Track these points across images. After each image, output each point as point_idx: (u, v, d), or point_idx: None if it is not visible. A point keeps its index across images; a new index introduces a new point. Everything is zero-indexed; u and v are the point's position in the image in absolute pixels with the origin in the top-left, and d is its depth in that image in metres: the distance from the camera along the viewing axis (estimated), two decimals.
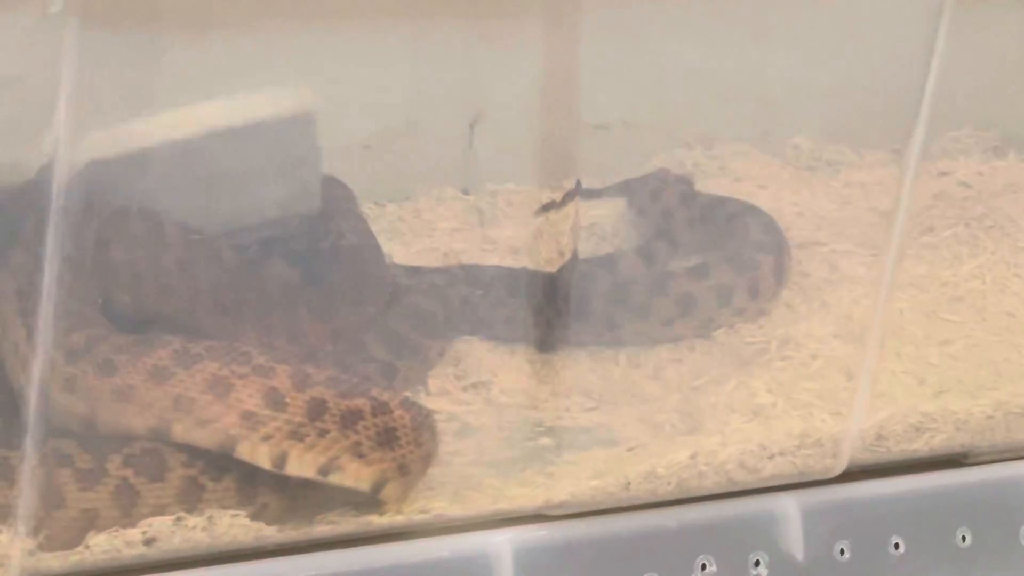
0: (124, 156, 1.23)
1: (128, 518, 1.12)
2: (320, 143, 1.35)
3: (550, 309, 1.30)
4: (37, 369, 1.10)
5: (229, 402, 1.13)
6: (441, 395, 1.32)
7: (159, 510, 1.13)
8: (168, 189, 1.30)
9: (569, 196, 1.29)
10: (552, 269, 1.30)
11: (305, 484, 1.15)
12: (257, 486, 1.15)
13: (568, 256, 1.29)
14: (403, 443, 1.16)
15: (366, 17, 1.33)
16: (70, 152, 1.06)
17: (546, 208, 1.30)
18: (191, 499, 1.13)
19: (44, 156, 1.06)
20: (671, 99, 1.47)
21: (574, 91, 1.23)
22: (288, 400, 1.14)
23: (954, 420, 1.31)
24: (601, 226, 1.51)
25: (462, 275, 1.40)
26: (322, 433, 1.14)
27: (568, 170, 1.29)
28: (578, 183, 1.28)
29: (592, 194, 1.45)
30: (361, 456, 1.15)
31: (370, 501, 1.17)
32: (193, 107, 1.28)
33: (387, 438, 1.15)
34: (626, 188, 1.50)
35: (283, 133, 1.31)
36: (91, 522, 1.11)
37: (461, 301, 1.38)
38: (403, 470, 1.16)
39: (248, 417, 1.13)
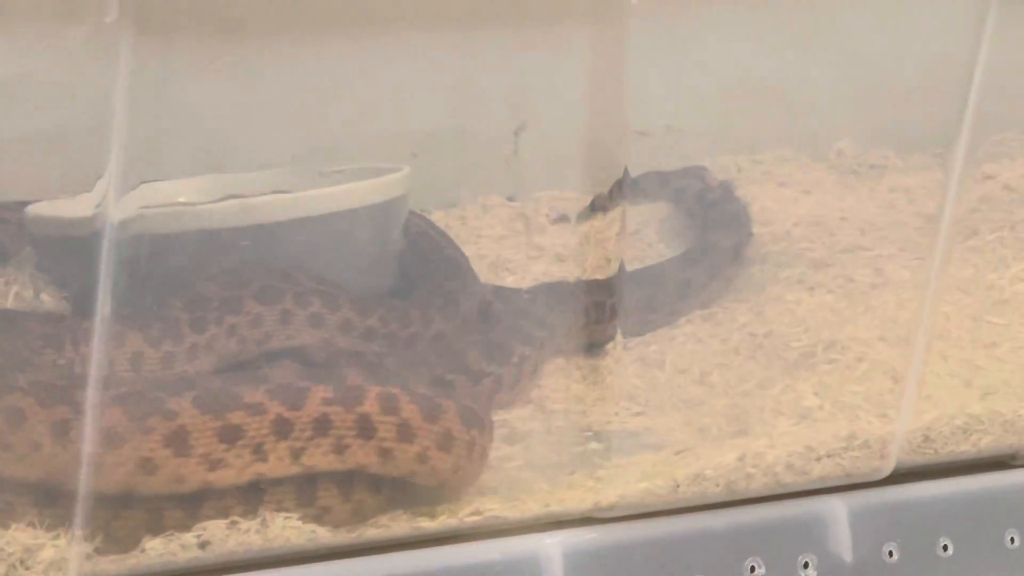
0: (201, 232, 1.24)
1: (192, 519, 1.13)
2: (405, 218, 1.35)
3: (597, 315, 1.31)
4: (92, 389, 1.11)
5: None
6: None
7: (222, 511, 1.14)
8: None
9: (616, 188, 1.28)
10: (601, 276, 1.31)
11: (366, 488, 1.17)
12: (317, 489, 1.16)
13: (616, 263, 1.30)
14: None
15: (412, 25, 1.34)
16: (123, 172, 1.07)
17: (593, 206, 1.31)
18: (252, 501, 1.14)
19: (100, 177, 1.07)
20: (715, 105, 1.47)
21: (621, 97, 1.24)
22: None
23: (1001, 422, 1.32)
24: (645, 232, 1.51)
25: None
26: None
27: (613, 176, 1.30)
28: (626, 171, 1.28)
29: (640, 194, 1.45)
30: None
31: (424, 504, 1.18)
32: (293, 194, 1.28)
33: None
34: (665, 181, 1.50)
35: (376, 217, 1.31)
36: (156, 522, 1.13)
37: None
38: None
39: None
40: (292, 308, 1.27)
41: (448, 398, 1.19)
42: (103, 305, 1.09)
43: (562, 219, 1.36)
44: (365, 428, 1.15)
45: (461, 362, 1.31)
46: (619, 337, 1.30)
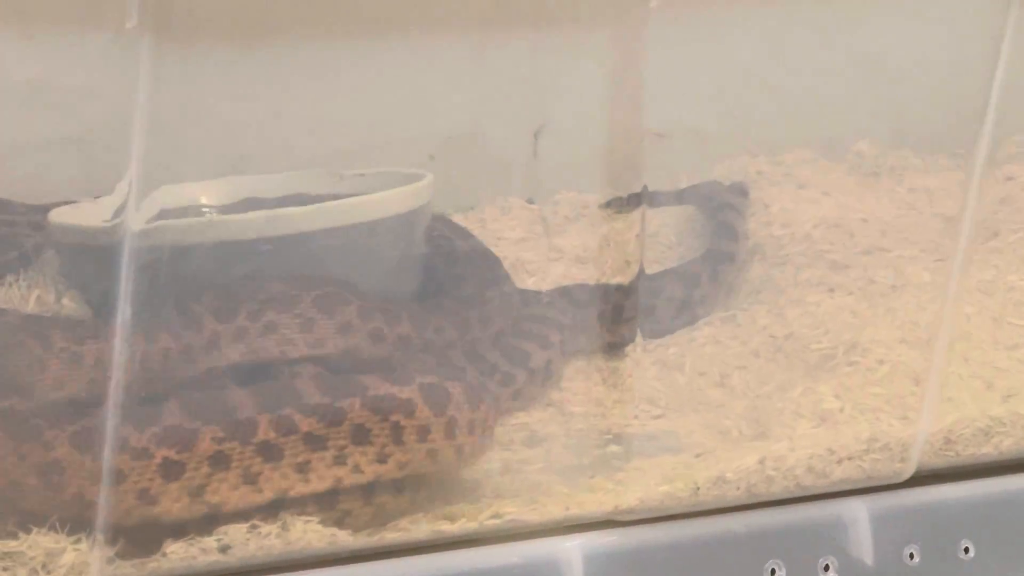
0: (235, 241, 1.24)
1: (213, 523, 1.13)
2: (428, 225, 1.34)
3: (617, 318, 1.31)
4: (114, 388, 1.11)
5: None
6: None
7: (243, 515, 1.14)
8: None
9: (633, 199, 1.29)
10: (621, 280, 1.31)
11: (388, 491, 1.17)
12: (339, 492, 1.16)
13: (636, 266, 1.30)
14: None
15: (431, 28, 1.34)
16: (143, 175, 1.07)
17: (609, 204, 1.31)
18: (273, 505, 1.14)
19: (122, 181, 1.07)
20: (735, 107, 1.47)
21: (639, 99, 1.24)
22: None
23: (1023, 424, 1.31)
24: (664, 234, 1.51)
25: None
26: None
27: (633, 177, 1.30)
28: (644, 187, 1.29)
29: (656, 199, 1.46)
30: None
31: (444, 507, 1.18)
32: (317, 205, 1.27)
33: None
34: (680, 197, 1.51)
35: (400, 225, 1.31)
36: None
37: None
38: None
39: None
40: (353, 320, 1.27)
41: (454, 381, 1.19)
42: (123, 310, 1.10)
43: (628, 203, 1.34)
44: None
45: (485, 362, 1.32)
46: (639, 339, 1.30)
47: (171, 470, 1.11)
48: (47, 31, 1.08)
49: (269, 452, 1.13)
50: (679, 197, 1.51)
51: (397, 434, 1.16)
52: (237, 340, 1.23)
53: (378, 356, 1.26)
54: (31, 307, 1.27)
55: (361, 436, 1.15)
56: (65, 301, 1.28)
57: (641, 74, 1.22)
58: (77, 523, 1.10)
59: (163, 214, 1.17)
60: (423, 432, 1.16)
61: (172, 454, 1.11)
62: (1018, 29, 1.24)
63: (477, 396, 1.20)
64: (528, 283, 1.42)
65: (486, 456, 1.21)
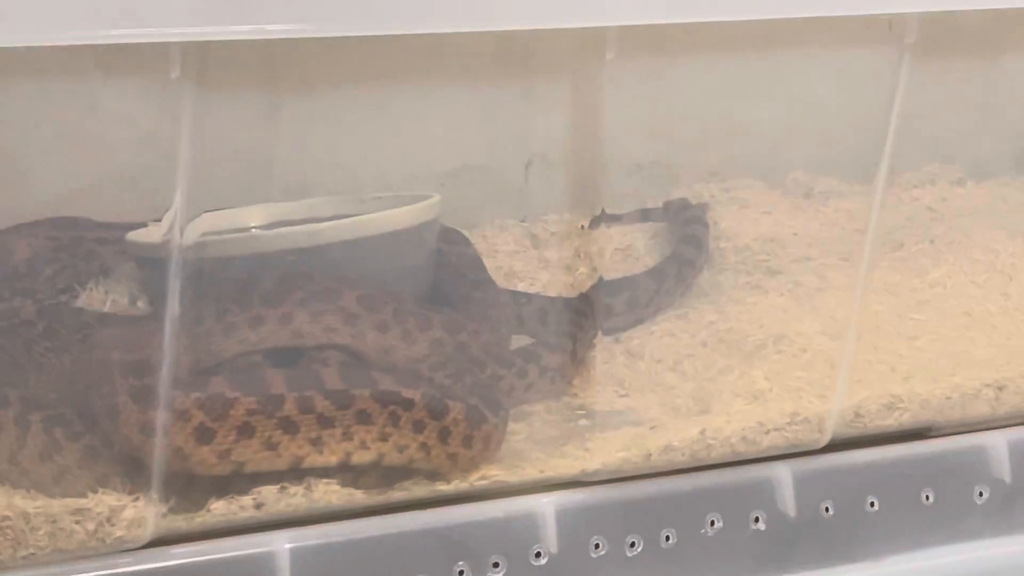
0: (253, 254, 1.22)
1: (249, 484, 1.12)
2: (436, 240, 1.32)
3: (584, 317, 1.30)
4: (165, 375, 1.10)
5: None
6: None
7: (274, 478, 1.13)
8: None
9: (596, 221, 1.28)
10: (588, 284, 1.30)
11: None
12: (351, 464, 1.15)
13: (598, 273, 1.29)
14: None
15: (440, 78, 1.34)
16: (187, 209, 1.06)
17: (583, 229, 1.30)
18: (300, 472, 1.13)
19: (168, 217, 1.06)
20: (689, 141, 1.47)
21: (600, 136, 1.23)
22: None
23: (919, 400, 1.30)
24: (635, 248, 1.50)
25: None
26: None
27: (599, 202, 1.29)
28: (603, 210, 1.28)
29: (615, 219, 1.45)
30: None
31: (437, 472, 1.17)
32: (336, 220, 1.25)
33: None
34: (645, 215, 1.50)
35: (412, 238, 1.28)
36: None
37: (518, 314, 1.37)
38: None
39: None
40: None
41: (457, 399, 1.17)
42: (172, 307, 1.09)
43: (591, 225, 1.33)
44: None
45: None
46: (600, 334, 1.29)
47: (204, 434, 1.10)
48: (102, 83, 1.07)
49: (288, 426, 1.11)
50: (647, 215, 1.51)
51: (395, 420, 1.14)
52: (283, 324, 1.21)
53: (410, 355, 1.25)
54: (107, 308, 1.27)
55: (364, 418, 1.13)
56: (139, 304, 1.27)
57: (601, 115, 1.21)
58: (135, 482, 1.09)
59: (208, 236, 1.16)
60: (419, 425, 1.15)
61: (208, 420, 1.09)
62: (912, 77, 1.23)
63: (481, 417, 1.17)
64: (519, 287, 1.41)
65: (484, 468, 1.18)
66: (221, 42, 1.02)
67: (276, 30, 1.01)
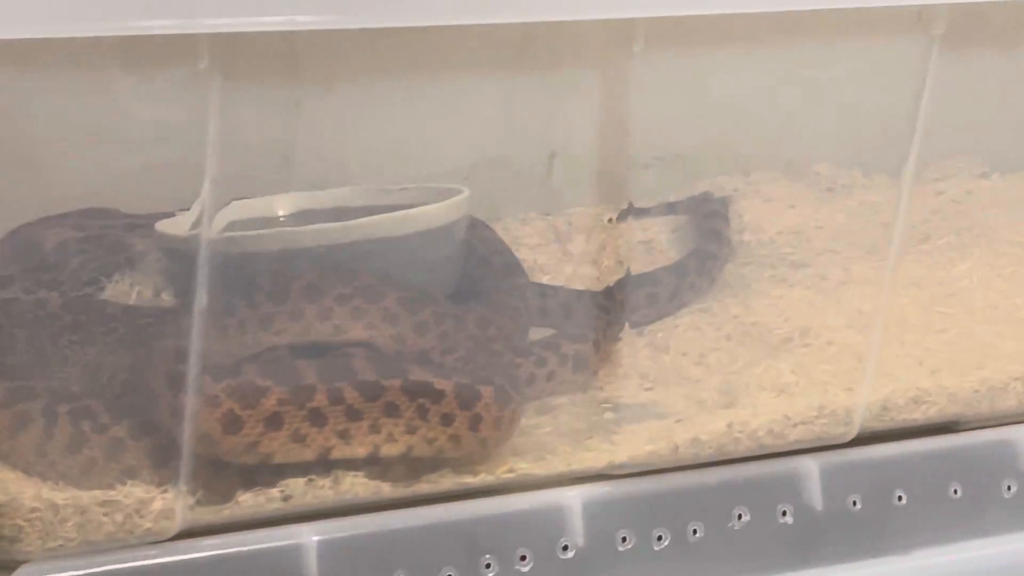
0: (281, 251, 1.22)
1: (277, 476, 1.12)
2: (465, 235, 1.32)
3: (610, 310, 1.30)
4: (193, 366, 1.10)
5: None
6: None
7: (301, 470, 1.12)
8: None
9: (623, 214, 1.28)
10: (614, 277, 1.30)
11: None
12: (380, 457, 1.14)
13: (625, 266, 1.29)
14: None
15: (465, 71, 1.34)
16: (216, 199, 1.06)
17: (610, 222, 1.30)
18: (329, 464, 1.13)
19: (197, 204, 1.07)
20: (713, 134, 1.46)
21: (626, 129, 1.23)
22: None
23: (947, 394, 1.30)
24: (657, 241, 1.50)
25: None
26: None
27: (624, 196, 1.29)
28: (630, 204, 1.28)
29: (642, 212, 1.44)
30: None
31: (466, 464, 1.17)
32: (369, 217, 1.25)
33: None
34: (669, 208, 1.50)
35: (442, 234, 1.29)
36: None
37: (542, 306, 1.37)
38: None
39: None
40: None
41: (487, 383, 1.17)
42: (200, 298, 1.09)
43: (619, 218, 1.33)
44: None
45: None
46: (627, 327, 1.29)
47: (233, 422, 1.10)
48: (131, 74, 1.07)
49: (317, 418, 1.11)
50: (672, 208, 1.50)
51: (423, 413, 1.14)
52: (322, 319, 1.21)
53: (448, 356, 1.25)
54: (132, 300, 1.27)
55: (392, 410, 1.13)
56: (164, 296, 1.28)
57: (627, 107, 1.21)
58: (163, 474, 1.09)
59: (236, 224, 1.16)
60: (447, 418, 1.15)
61: (237, 407, 1.09)
62: (940, 69, 1.23)
63: (507, 396, 1.17)
64: (543, 279, 1.41)
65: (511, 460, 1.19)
66: (247, 33, 1.02)
67: (305, 21, 1.01)
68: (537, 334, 1.34)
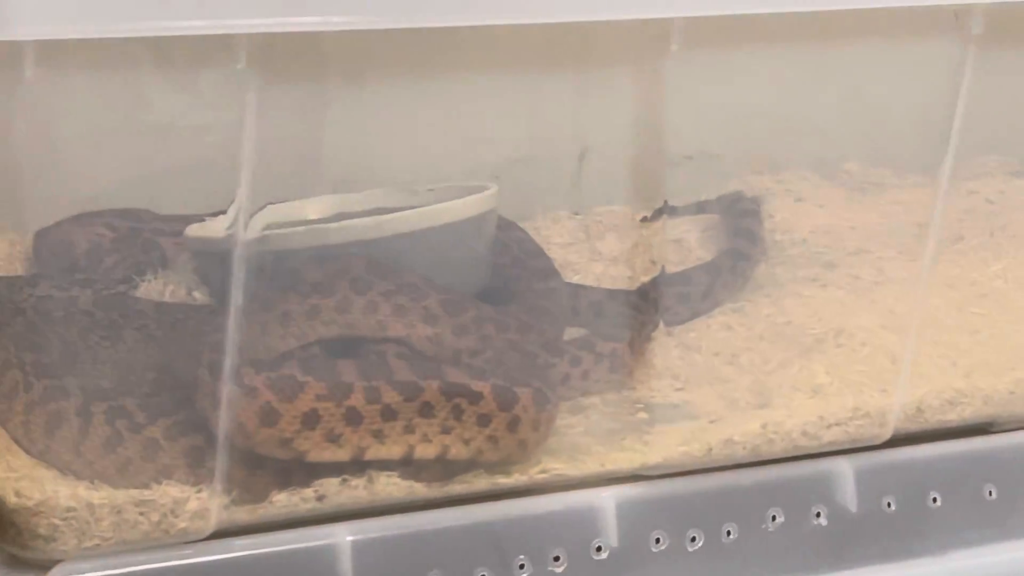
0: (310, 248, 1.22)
1: (311, 476, 1.12)
2: (495, 230, 1.32)
3: (643, 310, 1.30)
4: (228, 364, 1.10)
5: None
6: None
7: (335, 470, 1.12)
8: None
9: (658, 213, 1.28)
10: (648, 277, 1.30)
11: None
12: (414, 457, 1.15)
13: (659, 265, 1.29)
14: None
15: (495, 70, 1.33)
16: (253, 195, 1.06)
17: (644, 220, 1.30)
18: (362, 464, 1.13)
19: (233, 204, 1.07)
20: (745, 133, 1.46)
21: (661, 128, 1.23)
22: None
23: (982, 395, 1.30)
24: (687, 240, 1.50)
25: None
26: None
27: (657, 194, 1.29)
28: (665, 202, 1.28)
29: (675, 211, 1.44)
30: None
31: (500, 465, 1.17)
32: (398, 212, 1.26)
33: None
34: (700, 207, 1.50)
35: (471, 228, 1.29)
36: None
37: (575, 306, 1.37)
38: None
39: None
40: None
41: (524, 385, 1.17)
42: (236, 298, 1.09)
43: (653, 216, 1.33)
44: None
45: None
46: (661, 326, 1.29)
47: (269, 415, 1.10)
48: (170, 75, 1.07)
49: (353, 416, 1.11)
50: (702, 207, 1.50)
51: (458, 413, 1.14)
52: (367, 313, 1.21)
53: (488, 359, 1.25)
54: (166, 299, 1.27)
55: (427, 410, 1.13)
56: (196, 294, 1.28)
57: (662, 106, 1.21)
58: (198, 474, 1.10)
59: (271, 226, 1.16)
60: (485, 419, 1.15)
61: (275, 399, 1.09)
62: (976, 69, 1.23)
63: (544, 398, 1.17)
64: (574, 279, 1.41)
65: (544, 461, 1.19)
66: (284, 33, 1.02)
67: (341, 22, 1.01)
68: (568, 334, 1.34)
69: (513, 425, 1.15)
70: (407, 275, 1.22)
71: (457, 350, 1.22)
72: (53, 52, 1.01)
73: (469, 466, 1.16)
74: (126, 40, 1.02)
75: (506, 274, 1.32)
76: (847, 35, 1.33)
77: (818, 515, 1.23)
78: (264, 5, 0.98)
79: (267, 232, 1.14)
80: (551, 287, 1.33)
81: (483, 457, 1.15)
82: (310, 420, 1.10)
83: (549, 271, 1.35)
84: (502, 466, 1.17)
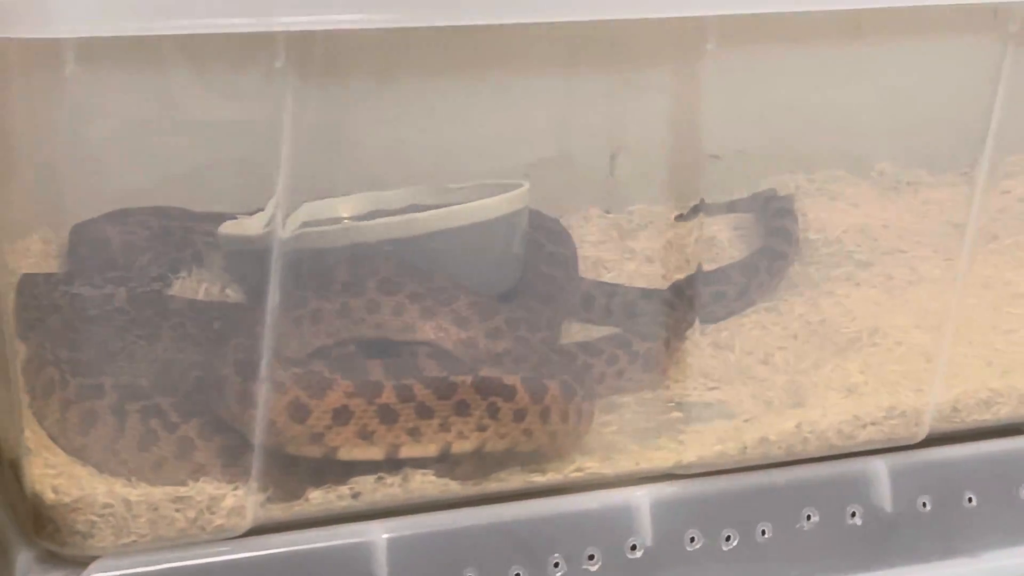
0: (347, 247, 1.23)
1: (347, 474, 1.12)
2: (526, 227, 1.32)
3: (679, 307, 1.30)
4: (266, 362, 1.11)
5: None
6: None
7: (371, 468, 1.13)
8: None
9: (694, 211, 1.28)
10: (683, 275, 1.30)
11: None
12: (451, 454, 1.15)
13: (694, 264, 1.29)
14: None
15: (528, 69, 1.34)
16: (290, 193, 1.07)
17: (679, 218, 1.30)
18: (396, 463, 1.13)
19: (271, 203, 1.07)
20: (778, 132, 1.46)
21: (697, 126, 1.23)
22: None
23: (1018, 395, 1.29)
24: (719, 239, 1.50)
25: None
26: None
27: (691, 192, 1.29)
28: (701, 200, 1.28)
29: (710, 210, 1.44)
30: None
31: (535, 463, 1.17)
32: (430, 211, 1.26)
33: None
34: (732, 206, 1.50)
35: (503, 226, 1.29)
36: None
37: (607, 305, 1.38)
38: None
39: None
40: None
41: (552, 378, 1.17)
42: (272, 296, 1.10)
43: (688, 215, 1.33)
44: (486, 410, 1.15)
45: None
46: (696, 324, 1.29)
47: (299, 410, 1.10)
48: (208, 73, 1.08)
49: (387, 414, 1.12)
50: (734, 206, 1.50)
51: (494, 411, 1.14)
52: (395, 314, 1.22)
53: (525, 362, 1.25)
54: (201, 296, 1.28)
55: (463, 409, 1.14)
56: (228, 292, 1.29)
57: (698, 105, 1.21)
58: (234, 471, 1.10)
59: (307, 224, 1.17)
60: (520, 414, 1.15)
61: (304, 395, 1.10)
62: (1013, 67, 1.22)
63: (572, 389, 1.18)
64: (606, 278, 1.41)
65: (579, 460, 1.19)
66: (322, 32, 1.02)
67: (382, 19, 1.01)
68: (600, 332, 1.34)
69: (544, 416, 1.15)
70: (438, 278, 1.23)
71: (496, 354, 1.23)
72: (92, 50, 1.02)
73: (504, 464, 1.16)
74: (165, 38, 1.02)
75: (536, 268, 1.33)
76: (882, 33, 1.33)
77: (853, 515, 1.23)
78: (305, 3, 0.98)
79: (303, 230, 1.15)
80: (558, 273, 1.33)
81: (518, 449, 1.15)
82: (341, 416, 1.10)
83: (562, 258, 1.35)
84: (537, 464, 1.17)
